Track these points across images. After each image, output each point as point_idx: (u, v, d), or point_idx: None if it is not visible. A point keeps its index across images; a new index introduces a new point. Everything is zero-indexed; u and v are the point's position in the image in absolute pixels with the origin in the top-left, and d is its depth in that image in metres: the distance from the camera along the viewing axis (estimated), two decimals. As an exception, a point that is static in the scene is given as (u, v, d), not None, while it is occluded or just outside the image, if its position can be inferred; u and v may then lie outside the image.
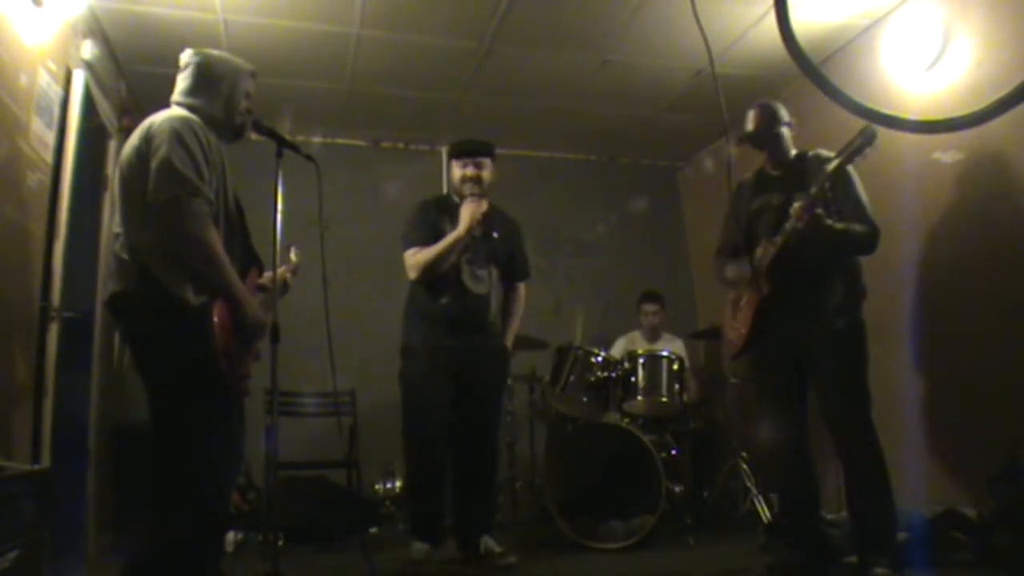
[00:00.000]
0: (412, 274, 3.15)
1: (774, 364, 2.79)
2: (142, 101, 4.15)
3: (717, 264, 3.02)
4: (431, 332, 3.13)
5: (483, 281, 3.19)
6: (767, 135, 2.82)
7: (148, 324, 1.98)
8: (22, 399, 2.68)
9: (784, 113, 2.85)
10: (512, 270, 3.36)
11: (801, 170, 2.73)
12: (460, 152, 3.27)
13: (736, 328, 2.86)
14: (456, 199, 3.24)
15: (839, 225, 2.57)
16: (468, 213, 3.09)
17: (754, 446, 4.42)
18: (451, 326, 3.11)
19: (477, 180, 3.20)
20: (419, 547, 3.02)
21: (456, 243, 3.09)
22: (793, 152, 2.84)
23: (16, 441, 2.58)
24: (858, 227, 2.60)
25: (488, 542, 3.11)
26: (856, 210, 2.63)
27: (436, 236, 3.14)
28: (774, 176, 2.84)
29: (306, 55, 4.05)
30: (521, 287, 3.43)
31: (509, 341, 3.37)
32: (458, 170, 3.24)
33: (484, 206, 3.14)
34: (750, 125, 2.85)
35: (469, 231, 3.09)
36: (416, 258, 3.13)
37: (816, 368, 2.67)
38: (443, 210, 3.24)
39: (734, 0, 3.62)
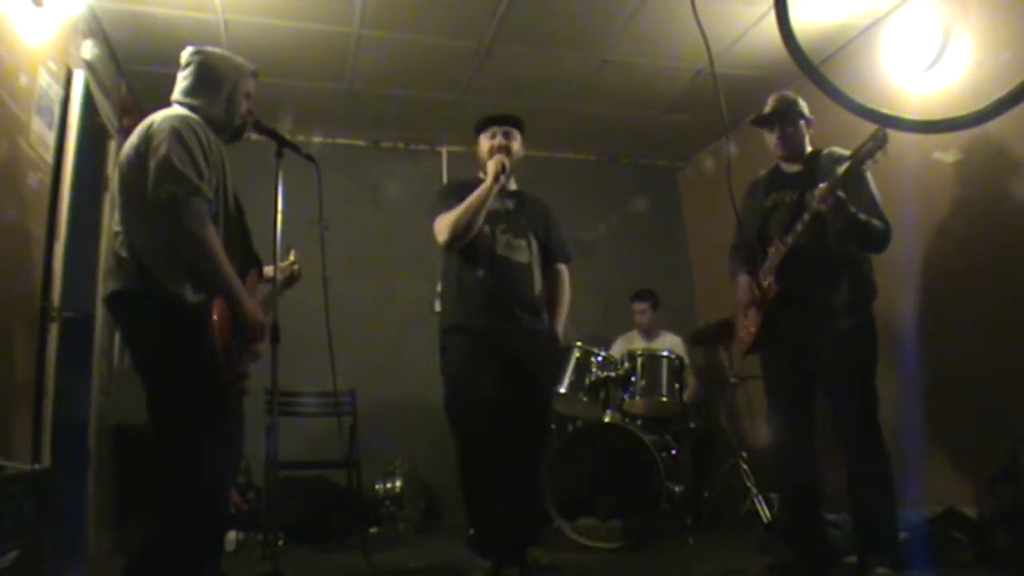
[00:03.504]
0: (442, 236, 2.86)
1: (782, 363, 2.79)
2: (142, 101, 4.15)
3: (732, 262, 3.01)
4: (470, 312, 2.84)
5: (522, 250, 2.94)
6: (782, 116, 2.81)
7: (146, 322, 1.98)
8: (22, 399, 2.68)
9: (805, 107, 2.85)
10: (550, 250, 3.10)
11: (815, 168, 2.73)
12: (489, 121, 3.06)
13: (746, 326, 2.86)
14: (483, 176, 2.99)
15: (861, 215, 2.57)
16: (491, 167, 2.88)
17: (758, 444, 4.43)
18: (491, 302, 2.83)
19: (506, 151, 2.97)
20: (482, 564, 2.72)
21: (486, 196, 2.83)
22: (808, 149, 2.85)
23: (16, 441, 2.58)
24: (876, 222, 2.61)
25: (536, 553, 2.85)
26: (870, 209, 2.63)
27: None
28: (788, 173, 2.85)
29: (306, 55, 4.05)
30: (564, 270, 3.15)
31: (560, 330, 3.08)
32: (486, 141, 3.02)
33: (508, 161, 2.92)
34: (767, 108, 2.85)
35: (497, 180, 2.85)
36: (444, 219, 2.87)
37: (823, 368, 2.67)
38: (469, 189, 2.94)
39: (734, 0, 3.62)
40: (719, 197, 2.60)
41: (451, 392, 2.87)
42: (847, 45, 4.01)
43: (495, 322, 2.83)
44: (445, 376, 2.91)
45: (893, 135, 2.46)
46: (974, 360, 3.17)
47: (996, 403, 3.02)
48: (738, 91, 4.46)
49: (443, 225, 2.86)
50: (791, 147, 2.83)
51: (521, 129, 3.10)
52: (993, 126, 2.79)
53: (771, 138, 2.86)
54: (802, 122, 2.84)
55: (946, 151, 3.37)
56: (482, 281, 2.85)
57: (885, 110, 1.42)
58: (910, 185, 3.29)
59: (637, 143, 5.47)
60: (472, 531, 2.83)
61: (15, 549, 1.81)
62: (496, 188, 2.88)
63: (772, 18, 1.35)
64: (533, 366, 2.90)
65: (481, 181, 2.97)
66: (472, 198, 2.84)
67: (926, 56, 3.46)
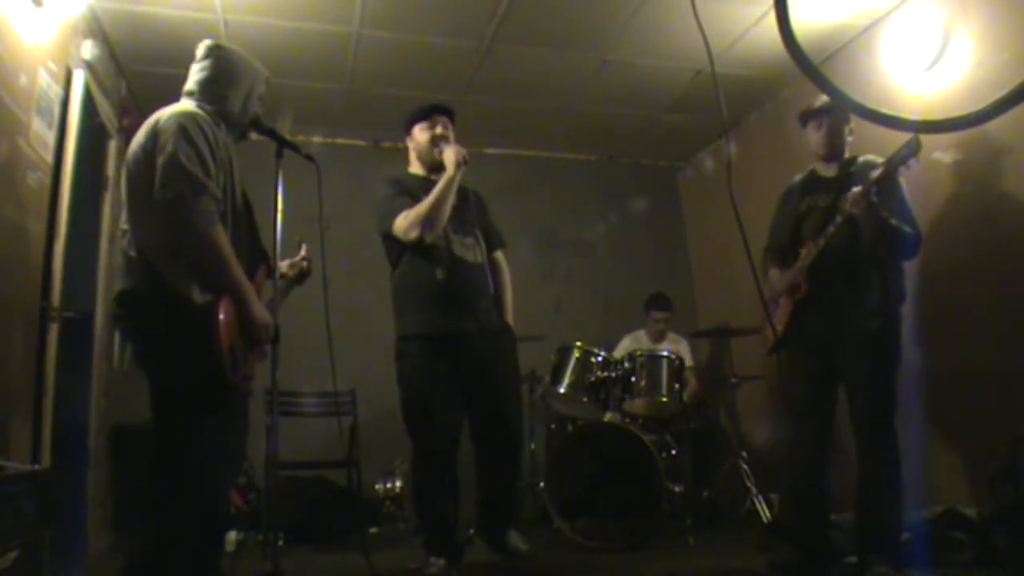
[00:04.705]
0: (413, 232, 2.81)
1: (804, 363, 2.80)
2: (142, 101, 4.15)
3: (763, 264, 3.01)
4: (428, 314, 2.85)
5: (474, 248, 2.96)
6: (831, 111, 2.78)
7: (154, 322, 1.98)
8: (22, 399, 2.68)
9: (852, 119, 2.84)
10: (488, 239, 3.11)
11: (850, 173, 2.74)
12: (424, 113, 3.03)
13: (774, 325, 2.86)
14: (421, 173, 3.02)
15: (892, 220, 2.57)
16: (452, 155, 2.85)
17: (758, 444, 4.43)
18: (450, 304, 2.84)
19: (447, 140, 2.98)
20: (435, 562, 2.77)
21: (450, 187, 2.81)
22: (847, 155, 2.85)
23: (16, 441, 2.58)
24: (907, 228, 2.61)
25: (514, 538, 3.00)
26: (902, 215, 2.63)
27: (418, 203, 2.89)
28: (824, 177, 2.85)
29: (306, 55, 4.06)
30: (502, 258, 3.18)
31: (509, 317, 3.09)
32: (425, 132, 3.00)
33: (464, 150, 2.89)
34: (816, 103, 2.82)
35: (459, 170, 2.84)
36: (411, 215, 2.83)
37: (846, 368, 2.67)
38: (413, 186, 2.97)
39: (734, 0, 3.62)
40: (719, 197, 2.60)
41: (407, 403, 2.90)
42: (847, 45, 4.01)
43: (458, 323, 2.84)
44: (401, 386, 2.92)
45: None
46: (974, 360, 3.17)
47: (996, 403, 3.02)
48: (738, 91, 4.47)
49: (411, 221, 2.83)
50: (833, 145, 2.81)
51: (454, 124, 3.09)
52: (993, 126, 2.79)
53: (816, 135, 2.84)
54: (846, 125, 2.82)
55: (946, 151, 3.37)
56: (443, 283, 2.85)
57: (885, 110, 1.42)
58: (910, 185, 3.29)
59: (637, 143, 5.47)
60: (426, 535, 2.85)
61: (15, 549, 1.81)
62: (459, 178, 2.86)
63: (772, 18, 1.35)
64: (495, 364, 2.93)
65: (414, 176, 3.03)
66: (438, 190, 2.82)
67: (926, 56, 3.46)
